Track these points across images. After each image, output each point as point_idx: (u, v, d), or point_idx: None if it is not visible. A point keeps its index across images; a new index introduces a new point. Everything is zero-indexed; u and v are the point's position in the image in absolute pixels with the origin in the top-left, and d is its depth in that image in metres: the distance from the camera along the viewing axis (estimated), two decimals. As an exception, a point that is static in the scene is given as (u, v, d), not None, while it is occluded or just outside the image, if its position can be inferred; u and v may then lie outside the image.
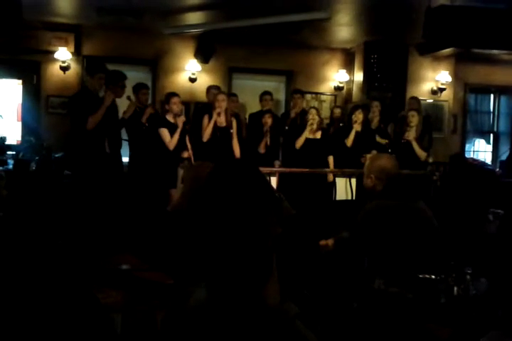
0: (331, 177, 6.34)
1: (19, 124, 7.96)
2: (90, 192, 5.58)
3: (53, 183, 6.13)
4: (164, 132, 5.80)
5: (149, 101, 6.86)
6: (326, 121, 7.81)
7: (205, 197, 1.67)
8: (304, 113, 6.73)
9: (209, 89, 6.79)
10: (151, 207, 6.00)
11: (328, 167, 6.44)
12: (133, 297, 4.14)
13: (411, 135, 6.23)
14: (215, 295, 1.17)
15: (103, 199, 5.53)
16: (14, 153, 6.73)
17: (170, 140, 5.77)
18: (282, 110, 8.53)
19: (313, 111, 6.49)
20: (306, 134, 6.34)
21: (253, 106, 7.91)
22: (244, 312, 1.13)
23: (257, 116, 6.93)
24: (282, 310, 1.16)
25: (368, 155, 6.07)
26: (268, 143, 6.51)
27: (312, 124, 6.33)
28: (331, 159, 6.49)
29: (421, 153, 6.28)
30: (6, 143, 7.13)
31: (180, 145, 5.86)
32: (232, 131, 5.96)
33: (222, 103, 5.84)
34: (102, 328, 1.41)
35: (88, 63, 5.66)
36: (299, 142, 6.34)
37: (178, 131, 5.77)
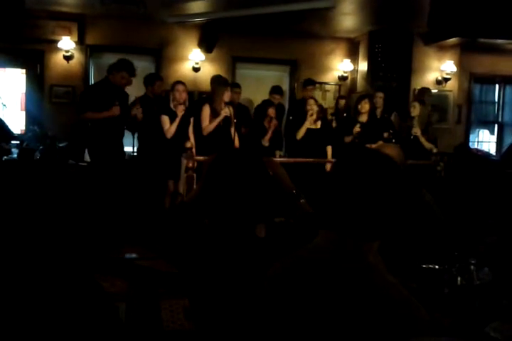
0: (328, 167, 6.34)
1: (23, 114, 7.97)
2: (95, 181, 5.61)
3: (57, 172, 6.15)
4: (164, 120, 5.81)
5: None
6: (331, 111, 7.79)
7: (207, 186, 1.68)
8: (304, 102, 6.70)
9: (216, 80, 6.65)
10: (148, 196, 6.03)
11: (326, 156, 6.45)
12: (137, 286, 4.17)
13: (418, 131, 6.25)
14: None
15: (106, 189, 5.55)
16: (18, 142, 6.75)
17: (168, 128, 5.78)
18: (286, 100, 8.50)
19: (312, 101, 6.47)
20: (307, 125, 6.32)
21: (257, 95, 7.90)
22: (347, 264, 1.23)
23: (262, 108, 6.92)
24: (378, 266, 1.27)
25: (374, 146, 6.06)
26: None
27: (312, 115, 6.32)
28: (329, 149, 6.48)
29: (428, 146, 6.28)
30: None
31: (181, 135, 5.85)
32: (235, 120, 5.97)
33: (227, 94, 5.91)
34: (106, 317, 1.42)
35: (119, 60, 5.69)
36: (300, 133, 6.33)
37: (177, 120, 5.77)
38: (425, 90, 7.46)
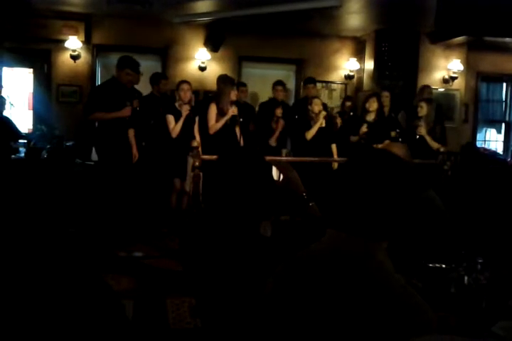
0: (335, 165, 6.33)
1: (30, 113, 8.01)
2: (102, 180, 5.62)
3: (64, 171, 6.17)
4: (170, 119, 5.83)
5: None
6: (337, 110, 7.77)
7: (212, 183, 1.70)
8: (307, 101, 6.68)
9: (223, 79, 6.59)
10: (154, 194, 6.05)
11: (332, 154, 6.44)
12: (144, 284, 4.18)
13: (423, 131, 6.21)
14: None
15: (113, 188, 5.56)
16: (26, 141, 6.78)
17: (173, 127, 5.80)
18: (292, 99, 8.50)
19: (318, 101, 6.43)
20: (318, 125, 6.29)
21: (263, 94, 7.90)
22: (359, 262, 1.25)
23: (267, 106, 6.91)
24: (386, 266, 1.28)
25: (380, 145, 6.04)
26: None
27: (324, 115, 6.30)
28: (334, 147, 6.47)
29: (435, 145, 6.23)
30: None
31: (187, 134, 5.87)
32: (240, 120, 5.97)
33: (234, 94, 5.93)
34: (113, 314, 1.42)
35: (121, 58, 5.64)
36: (311, 133, 6.30)
37: (182, 119, 5.79)
38: (426, 88, 7.38)
